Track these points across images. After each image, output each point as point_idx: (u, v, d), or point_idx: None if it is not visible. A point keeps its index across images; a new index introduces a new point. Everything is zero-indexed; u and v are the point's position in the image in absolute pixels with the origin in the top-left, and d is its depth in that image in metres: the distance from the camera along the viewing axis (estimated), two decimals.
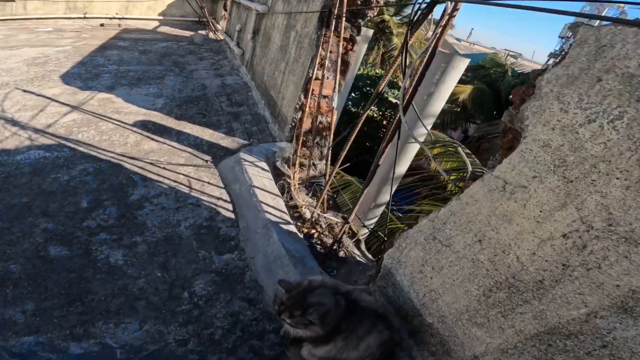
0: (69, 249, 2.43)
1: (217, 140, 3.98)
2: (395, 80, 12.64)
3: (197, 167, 3.44)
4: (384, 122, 11.52)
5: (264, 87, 5.05)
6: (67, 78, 5.35)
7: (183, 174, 3.31)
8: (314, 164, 3.89)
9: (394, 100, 11.54)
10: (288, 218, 2.88)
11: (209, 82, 5.93)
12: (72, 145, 3.57)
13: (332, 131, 3.64)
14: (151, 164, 3.40)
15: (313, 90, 3.55)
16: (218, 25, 10.85)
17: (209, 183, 3.24)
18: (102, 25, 10.34)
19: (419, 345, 1.75)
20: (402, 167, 3.70)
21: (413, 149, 3.64)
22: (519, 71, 14.11)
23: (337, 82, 3.42)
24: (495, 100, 12.59)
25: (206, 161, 3.56)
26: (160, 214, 2.84)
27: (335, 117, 3.54)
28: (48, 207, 2.75)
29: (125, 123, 4.14)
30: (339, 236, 2.86)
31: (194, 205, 2.97)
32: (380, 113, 11.79)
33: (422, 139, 3.56)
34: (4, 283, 2.14)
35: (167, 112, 4.53)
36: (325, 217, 3.14)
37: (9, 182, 2.95)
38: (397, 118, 2.20)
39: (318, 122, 3.69)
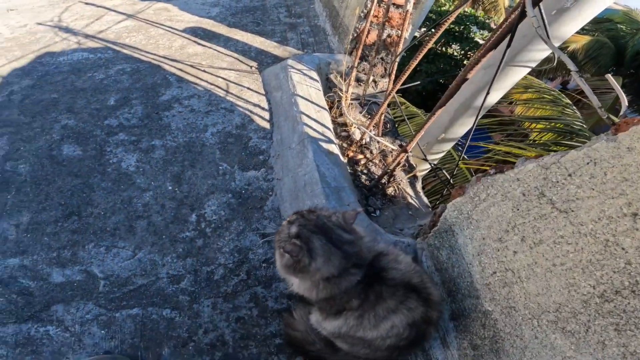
0: (83, 148, 2.13)
1: (267, 49, 3.40)
2: (485, 19, 10.88)
3: (240, 72, 2.93)
4: (464, 63, 10.05)
5: None
6: None
7: (222, 77, 2.83)
8: (374, 81, 3.17)
9: (480, 41, 9.94)
10: (332, 136, 2.30)
11: None
12: (117, 48, 3.24)
13: (401, 44, 2.89)
14: (191, 66, 2.96)
15: None
16: None
17: (248, 89, 2.73)
18: None
19: (460, 332, 1.31)
20: (495, 96, 2.81)
21: (516, 74, 2.69)
22: None
23: None
24: (615, 56, 10.88)
25: (251, 67, 3.03)
26: (188, 116, 2.41)
27: (408, 28, 2.75)
28: (75, 103, 2.47)
29: (175, 29, 3.71)
30: (392, 167, 2.21)
31: (226, 110, 2.50)
32: (462, 52, 10.27)
33: (520, 75, 2.58)
34: (8, 187, 1.92)
35: (220, 20, 4.02)
36: (379, 140, 2.49)
37: (44, 79, 2.72)
38: (514, 15, 1.28)
39: (386, 34, 2.92)
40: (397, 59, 2.73)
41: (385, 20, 2.92)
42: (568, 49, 11.09)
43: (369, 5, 2.84)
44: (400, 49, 2.89)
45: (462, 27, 10.00)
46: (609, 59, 11.03)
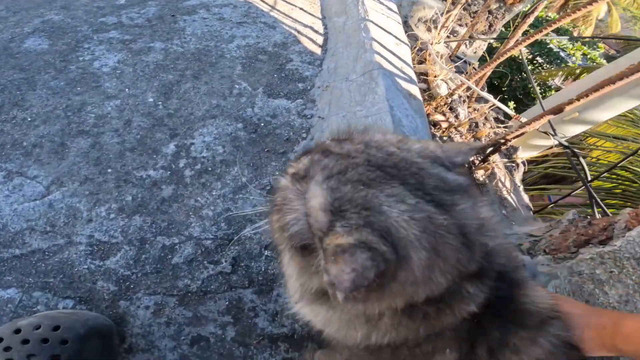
0: (52, 42, 1.43)
1: None
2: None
3: None
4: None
5: None
6: None
7: None
8: (471, 37, 2.17)
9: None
10: (413, 75, 1.40)
11: None
12: None
13: None
14: None
15: None
16: None
17: (301, 9, 1.88)
18: None
19: None
20: None
21: None
22: None
23: None
24: None
25: None
26: (213, 24, 1.63)
27: None
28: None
29: None
30: (510, 137, 1.23)
31: (266, 25, 1.67)
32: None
33: None
34: None
35: None
36: (484, 97, 1.51)
37: None
38: None
39: None
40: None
41: None
42: None
43: None
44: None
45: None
46: None
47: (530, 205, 1.57)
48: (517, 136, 1.21)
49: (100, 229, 0.91)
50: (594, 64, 7.52)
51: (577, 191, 1.51)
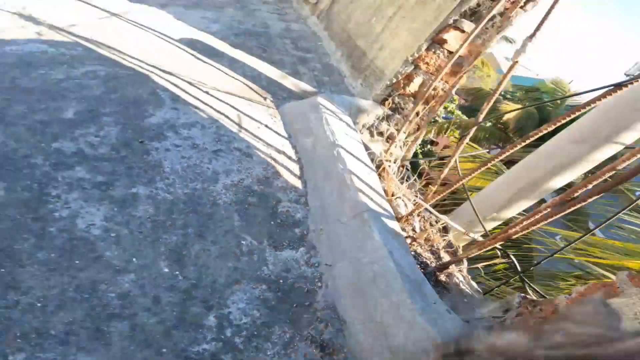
0: (9, 186, 1.21)
1: (279, 79, 2.68)
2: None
3: (252, 102, 2.16)
4: None
5: (345, 36, 3.73)
6: None
7: (231, 106, 2.03)
8: (404, 141, 2.55)
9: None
10: (389, 208, 1.60)
11: (272, 23, 4.61)
12: (91, 46, 2.33)
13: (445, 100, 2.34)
14: (190, 83, 2.13)
15: (444, 42, 2.21)
16: None
17: (266, 126, 1.96)
18: None
19: None
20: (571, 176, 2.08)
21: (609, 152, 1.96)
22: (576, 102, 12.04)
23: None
24: (538, 126, 10.72)
25: (264, 98, 2.28)
26: (189, 154, 1.58)
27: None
28: (9, 107, 1.53)
29: (168, 37, 2.88)
30: (469, 256, 1.56)
31: (242, 153, 1.69)
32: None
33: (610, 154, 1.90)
34: None
35: (221, 37, 3.25)
36: (438, 217, 1.82)
37: None
38: None
39: (431, 87, 2.33)
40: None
41: (436, 69, 2.37)
42: (503, 119, 11.15)
43: (422, 52, 2.26)
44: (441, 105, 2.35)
45: None
46: (533, 129, 11.01)
47: (479, 289, 1.91)
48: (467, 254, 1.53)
49: None
50: (454, 117, 9.24)
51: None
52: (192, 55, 2.61)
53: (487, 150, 13.52)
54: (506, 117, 11.53)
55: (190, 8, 4.12)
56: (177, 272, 1.13)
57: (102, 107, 1.68)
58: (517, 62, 1.40)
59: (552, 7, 1.32)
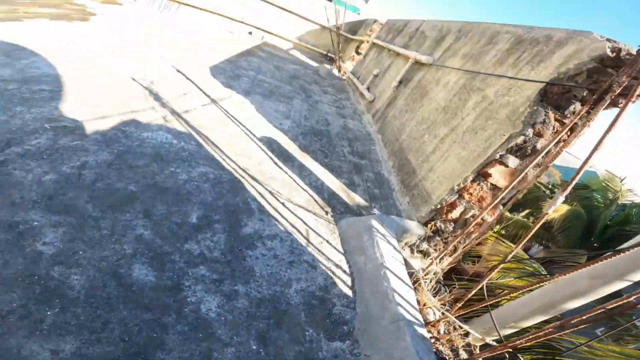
0: (158, 275, 1.80)
1: (337, 191, 3.31)
2: None
3: (317, 216, 2.77)
4: None
5: (397, 146, 4.34)
6: (215, 70, 5.16)
7: (301, 219, 2.64)
8: (440, 260, 3.06)
9: None
10: (420, 317, 2.09)
11: (332, 119, 5.39)
12: (200, 140, 3.09)
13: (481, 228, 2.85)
14: (270, 193, 2.78)
15: (489, 176, 2.76)
16: (343, 64, 10.61)
17: (327, 242, 2.53)
18: (250, 33, 10.54)
19: None
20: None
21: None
22: (628, 202, 10.44)
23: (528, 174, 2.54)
24: (585, 228, 9.81)
25: (326, 212, 2.88)
26: (272, 263, 2.15)
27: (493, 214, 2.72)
28: (154, 207, 2.18)
29: (252, 133, 3.63)
30: (477, 355, 2.05)
31: (309, 265, 2.26)
32: None
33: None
34: (50, 299, 1.51)
35: (291, 137, 3.99)
36: (470, 333, 2.31)
37: (124, 159, 2.44)
38: None
39: (470, 214, 2.89)
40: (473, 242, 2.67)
41: (478, 200, 2.88)
42: (547, 218, 10.66)
43: (468, 182, 2.80)
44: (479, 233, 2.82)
45: None
46: (580, 230, 9.92)
47: None
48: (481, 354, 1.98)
49: None
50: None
51: None
52: (270, 158, 3.31)
53: (527, 249, 12.97)
54: (552, 216, 10.25)
55: (267, 98, 4.99)
56: (261, 350, 1.65)
57: (214, 214, 2.31)
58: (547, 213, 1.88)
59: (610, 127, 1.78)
